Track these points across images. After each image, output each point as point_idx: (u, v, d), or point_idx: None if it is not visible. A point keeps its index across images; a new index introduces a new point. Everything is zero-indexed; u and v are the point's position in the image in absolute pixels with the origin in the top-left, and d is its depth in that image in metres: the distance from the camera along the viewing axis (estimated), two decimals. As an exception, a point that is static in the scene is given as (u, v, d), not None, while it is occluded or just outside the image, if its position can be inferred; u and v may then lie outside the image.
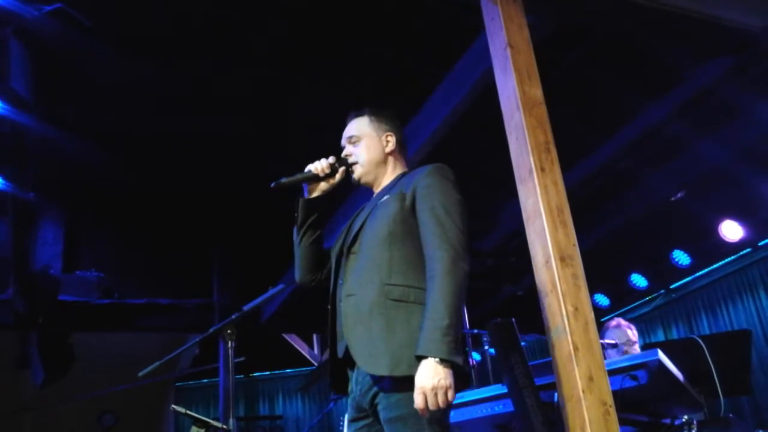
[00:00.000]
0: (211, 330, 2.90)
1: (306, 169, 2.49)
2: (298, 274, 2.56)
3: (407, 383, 2.04)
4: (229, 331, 2.87)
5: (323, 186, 2.53)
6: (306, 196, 2.54)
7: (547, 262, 2.64)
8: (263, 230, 6.05)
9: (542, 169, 2.78)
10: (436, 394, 1.96)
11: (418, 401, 1.98)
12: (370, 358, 2.13)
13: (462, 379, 2.13)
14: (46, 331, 6.97)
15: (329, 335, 2.37)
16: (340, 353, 2.28)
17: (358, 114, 2.60)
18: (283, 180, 2.44)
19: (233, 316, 2.90)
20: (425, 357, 2.00)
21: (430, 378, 1.97)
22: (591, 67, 4.76)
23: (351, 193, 5.34)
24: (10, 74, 4.43)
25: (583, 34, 4.50)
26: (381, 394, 2.13)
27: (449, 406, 2.07)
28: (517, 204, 2.87)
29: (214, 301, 7.66)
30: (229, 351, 2.90)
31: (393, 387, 2.10)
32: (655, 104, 5.16)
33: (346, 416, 5.04)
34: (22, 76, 4.44)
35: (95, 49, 4.30)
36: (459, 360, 2.01)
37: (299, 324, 8.68)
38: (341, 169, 2.53)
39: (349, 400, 2.30)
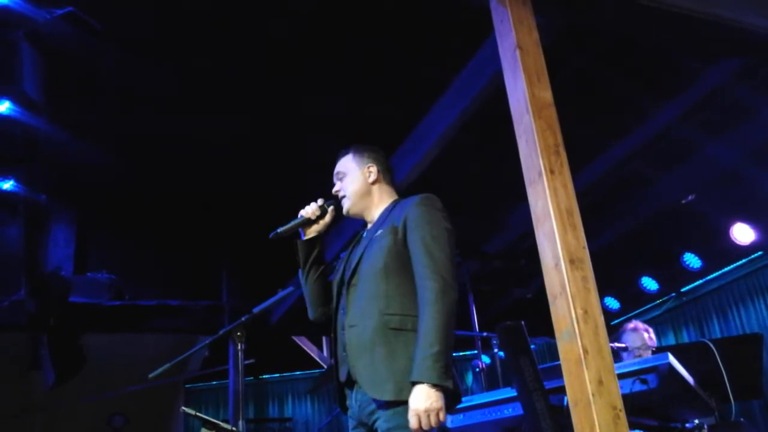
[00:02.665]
0: (221, 332, 2.92)
1: (299, 215, 2.68)
2: (310, 311, 2.73)
3: (405, 402, 2.23)
4: (238, 333, 2.89)
5: (317, 227, 2.71)
6: (303, 238, 2.71)
7: (557, 264, 2.63)
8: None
9: (552, 172, 2.77)
10: (429, 416, 2.14)
11: (413, 423, 2.16)
12: (375, 385, 2.31)
13: (453, 398, 2.31)
14: (57, 332, 7.01)
15: (333, 359, 2.55)
16: (342, 377, 2.49)
17: (344, 153, 2.79)
18: (280, 230, 2.63)
19: (243, 318, 2.92)
20: (419, 382, 2.17)
21: (423, 401, 2.15)
22: (600, 69, 4.74)
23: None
24: (21, 77, 4.46)
25: (592, 36, 4.48)
26: (380, 411, 2.32)
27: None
28: (527, 206, 2.86)
29: (224, 303, 7.68)
30: (239, 353, 2.92)
31: (393, 404, 2.28)
32: (665, 106, 5.13)
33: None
34: (34, 79, 4.47)
35: (106, 52, 4.33)
36: (450, 384, 2.19)
37: (309, 326, 8.66)
38: (330, 209, 2.72)
39: (349, 414, 2.50)
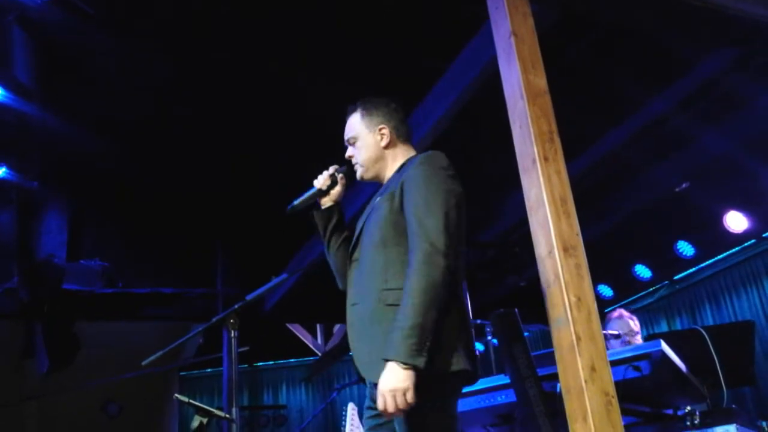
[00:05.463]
0: (214, 319, 2.90)
1: (313, 185, 2.60)
2: (338, 281, 2.59)
3: None
4: (232, 321, 2.87)
5: (331, 196, 2.60)
6: (320, 207, 2.61)
7: (550, 252, 2.63)
8: (267, 220, 6.05)
9: (546, 159, 2.77)
10: (394, 397, 1.99)
11: (379, 404, 2.02)
12: (369, 365, 2.20)
13: (440, 379, 2.11)
14: (51, 319, 6.99)
15: (349, 335, 2.42)
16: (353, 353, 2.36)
17: (352, 110, 2.61)
18: (296, 203, 2.56)
19: (236, 306, 2.91)
20: (388, 359, 2.02)
21: (389, 381, 2.00)
22: (596, 57, 4.73)
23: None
24: (13, 62, 4.43)
25: (588, 23, 4.47)
26: None
27: (453, 396, 2.18)
28: (520, 194, 2.86)
29: (218, 291, 7.67)
30: (233, 340, 2.91)
31: None
32: (659, 94, 5.13)
33: (351, 405, 5.08)
34: (25, 65, 4.44)
35: (99, 38, 4.30)
36: (420, 362, 1.99)
37: (303, 313, 8.69)
38: (340, 178, 2.60)
39: (367, 390, 2.36)
